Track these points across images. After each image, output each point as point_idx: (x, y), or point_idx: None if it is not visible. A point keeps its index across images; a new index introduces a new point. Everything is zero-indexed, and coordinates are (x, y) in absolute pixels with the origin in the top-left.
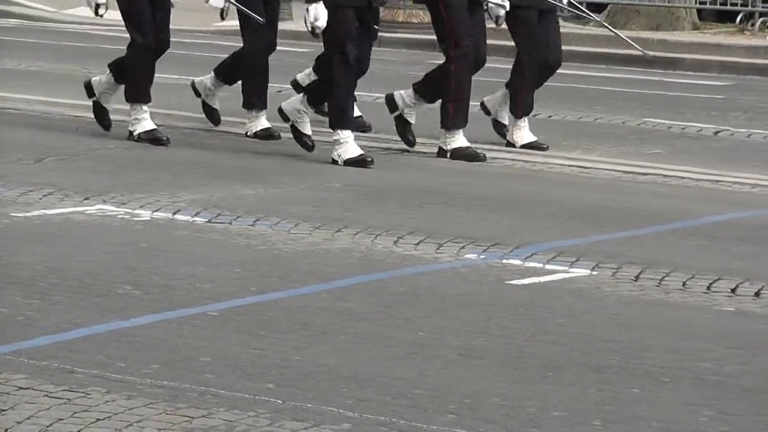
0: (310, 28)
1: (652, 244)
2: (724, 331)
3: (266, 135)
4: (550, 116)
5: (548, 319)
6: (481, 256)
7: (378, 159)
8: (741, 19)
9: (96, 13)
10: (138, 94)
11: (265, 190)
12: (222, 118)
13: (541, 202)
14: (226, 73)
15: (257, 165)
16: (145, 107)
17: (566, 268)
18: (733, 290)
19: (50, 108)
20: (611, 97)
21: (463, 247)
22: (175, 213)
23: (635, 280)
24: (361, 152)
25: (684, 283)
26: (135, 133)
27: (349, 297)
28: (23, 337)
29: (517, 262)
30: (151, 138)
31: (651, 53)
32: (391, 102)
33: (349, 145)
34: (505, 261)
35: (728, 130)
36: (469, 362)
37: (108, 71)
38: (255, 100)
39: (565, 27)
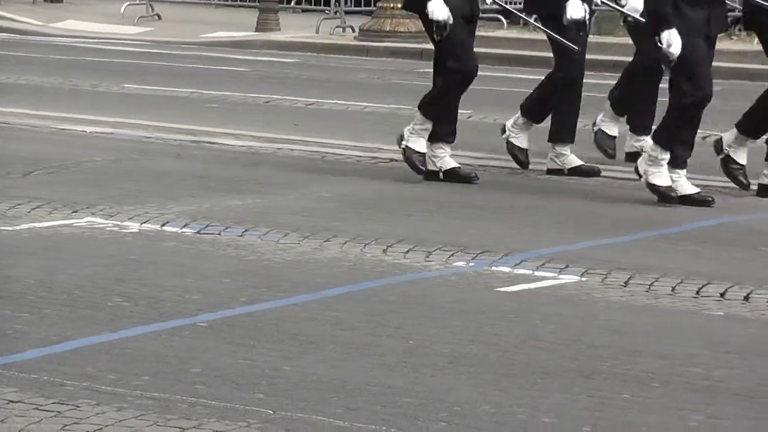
0: (665, 57)
1: (642, 249)
2: (714, 335)
3: (584, 171)
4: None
5: (538, 325)
6: (471, 264)
7: (365, 168)
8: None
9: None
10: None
11: (254, 200)
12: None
13: (530, 209)
14: (533, 109)
15: (245, 176)
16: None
17: (555, 274)
18: (722, 295)
19: (38, 121)
20: (600, 103)
21: (452, 255)
22: (163, 224)
23: (624, 286)
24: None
25: (673, 288)
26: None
27: (338, 306)
28: (13, 351)
29: (506, 269)
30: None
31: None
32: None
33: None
34: (494, 268)
35: (716, 134)
36: (459, 370)
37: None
38: (566, 134)
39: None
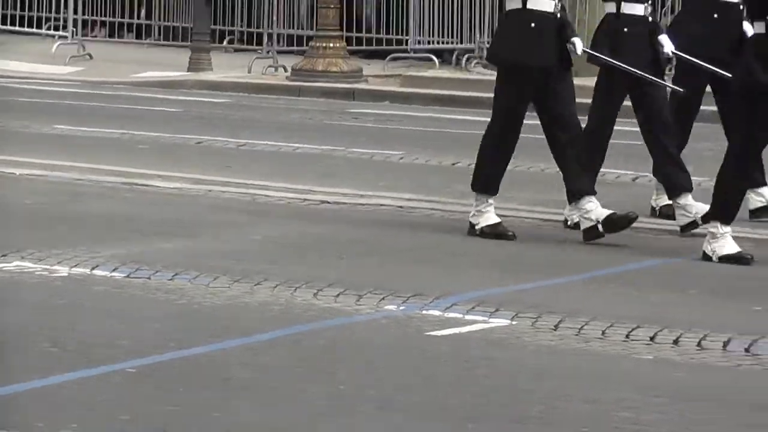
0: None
1: (573, 292)
2: (643, 379)
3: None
4: (469, 164)
5: (469, 369)
6: (401, 307)
7: (296, 210)
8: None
9: None
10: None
11: (184, 243)
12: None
13: (462, 251)
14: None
15: (176, 218)
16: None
17: (486, 318)
18: (651, 338)
19: None
20: (530, 144)
21: (383, 299)
22: (93, 268)
23: (554, 330)
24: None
25: (603, 332)
26: (477, 227)
27: (268, 351)
28: None
29: (437, 312)
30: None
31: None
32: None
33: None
34: (425, 312)
35: (647, 176)
36: (389, 415)
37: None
38: (683, 180)
39: (483, 74)
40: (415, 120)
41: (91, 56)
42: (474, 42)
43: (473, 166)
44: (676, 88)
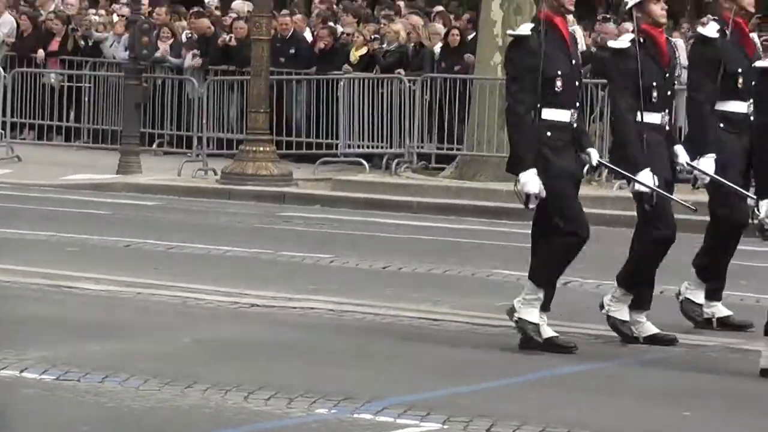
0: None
1: (507, 396)
2: None
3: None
4: (400, 268)
5: None
6: (332, 411)
7: (226, 313)
8: (587, 170)
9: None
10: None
11: (114, 345)
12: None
13: (394, 354)
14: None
15: (105, 320)
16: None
17: (417, 422)
18: None
19: None
20: (460, 248)
21: (314, 402)
22: (22, 371)
23: None
24: None
25: None
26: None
27: None
28: None
29: (368, 416)
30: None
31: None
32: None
33: None
34: (356, 415)
35: (578, 281)
36: None
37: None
38: (644, 302)
39: (413, 178)
40: (345, 223)
41: (19, 158)
42: (403, 146)
43: (409, 269)
44: (688, 205)
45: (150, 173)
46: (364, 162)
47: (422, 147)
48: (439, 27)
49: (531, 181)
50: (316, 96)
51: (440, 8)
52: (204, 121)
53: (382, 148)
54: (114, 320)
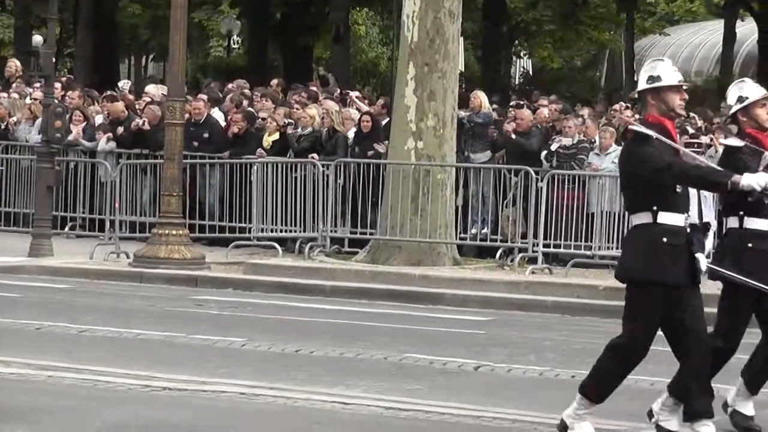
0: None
1: None
2: None
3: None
4: (312, 352)
5: None
6: None
7: (137, 396)
8: (501, 254)
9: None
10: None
11: (24, 429)
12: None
13: None
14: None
15: (15, 404)
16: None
17: None
18: None
19: None
20: (373, 332)
21: None
22: None
23: None
24: None
25: None
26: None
27: None
28: None
29: None
30: None
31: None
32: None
33: None
34: None
35: (489, 365)
36: None
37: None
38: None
39: (326, 262)
40: (258, 307)
41: None
42: (316, 230)
43: (322, 353)
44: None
45: (62, 256)
46: (278, 246)
47: (335, 231)
48: (353, 112)
49: (753, 175)
50: (230, 180)
51: (357, 93)
52: (116, 204)
53: (295, 232)
54: (24, 403)
